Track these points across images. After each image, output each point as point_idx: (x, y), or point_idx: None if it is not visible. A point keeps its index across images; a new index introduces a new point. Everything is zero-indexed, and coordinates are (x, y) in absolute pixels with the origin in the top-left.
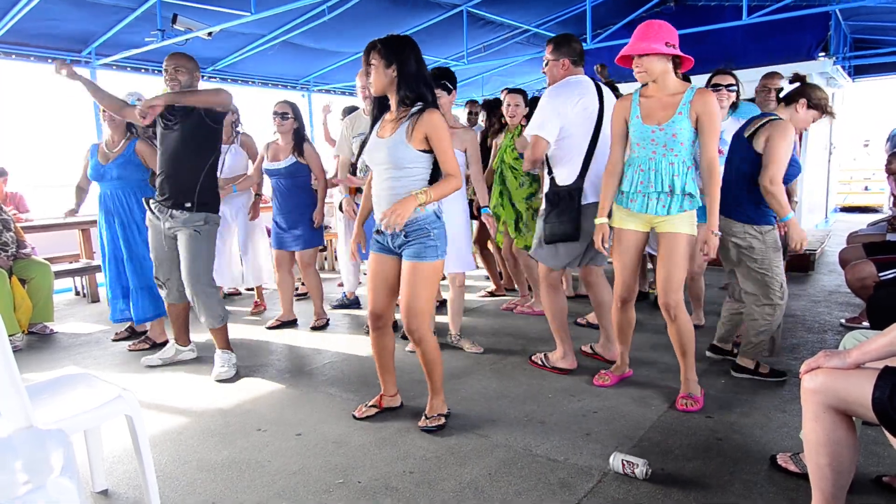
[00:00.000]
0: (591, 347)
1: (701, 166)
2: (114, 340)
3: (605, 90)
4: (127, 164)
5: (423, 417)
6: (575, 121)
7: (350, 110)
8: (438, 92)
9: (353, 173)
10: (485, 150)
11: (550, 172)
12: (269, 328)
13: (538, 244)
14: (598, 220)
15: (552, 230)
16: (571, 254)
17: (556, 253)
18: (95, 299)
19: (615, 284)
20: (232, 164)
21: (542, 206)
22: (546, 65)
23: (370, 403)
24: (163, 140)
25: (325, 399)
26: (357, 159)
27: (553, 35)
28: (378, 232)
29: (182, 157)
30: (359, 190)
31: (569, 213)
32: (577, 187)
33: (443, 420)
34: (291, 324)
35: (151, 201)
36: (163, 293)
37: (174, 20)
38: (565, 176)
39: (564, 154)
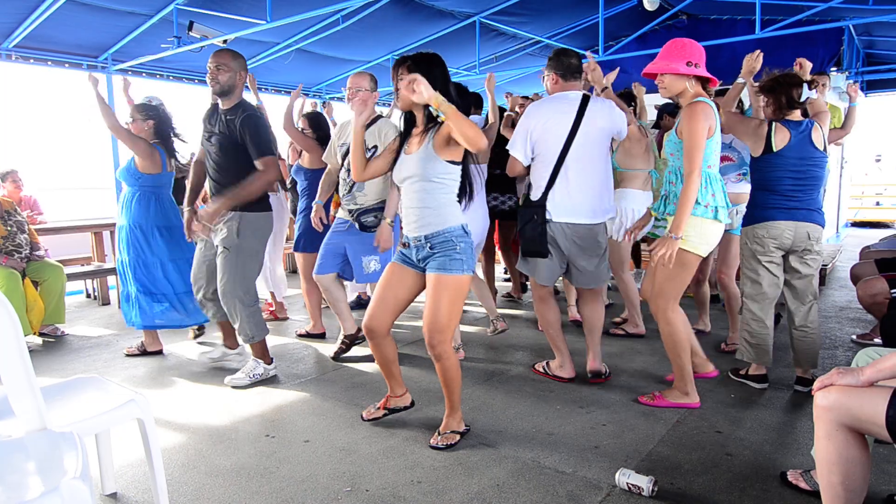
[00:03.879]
0: (546, 365)
1: None
2: (127, 355)
3: (596, 105)
4: (125, 171)
5: (436, 434)
6: (544, 138)
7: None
8: None
9: (337, 185)
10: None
11: (529, 188)
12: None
13: (521, 256)
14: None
15: (525, 245)
16: (547, 269)
17: (534, 267)
18: (106, 302)
19: None
20: None
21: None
22: (543, 78)
23: (378, 405)
24: (209, 145)
25: (334, 406)
26: (341, 170)
27: (563, 46)
28: (404, 245)
29: (225, 164)
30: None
31: (535, 229)
32: (540, 205)
33: (457, 438)
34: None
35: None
36: (207, 312)
37: (190, 27)
38: (536, 193)
39: (536, 171)
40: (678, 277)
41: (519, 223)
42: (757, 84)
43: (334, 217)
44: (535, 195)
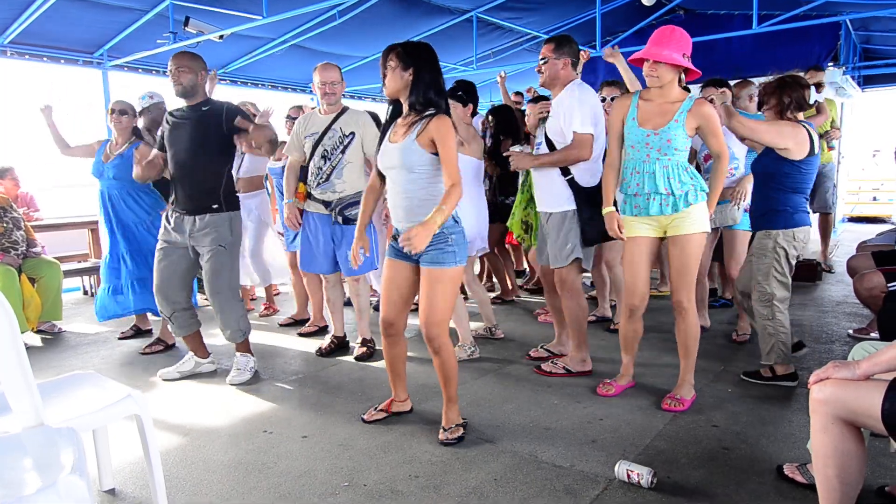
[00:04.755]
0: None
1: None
2: (119, 339)
3: None
4: (123, 165)
5: (442, 430)
6: (602, 121)
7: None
8: (452, 103)
9: (304, 177)
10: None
11: (567, 174)
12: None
13: (573, 248)
14: (605, 210)
15: (596, 230)
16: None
17: (588, 253)
18: None
19: (625, 294)
20: (249, 167)
21: (569, 209)
22: (545, 62)
23: (380, 407)
24: (175, 144)
25: (331, 402)
26: (309, 161)
27: (564, 34)
28: (395, 238)
29: (201, 160)
30: (309, 195)
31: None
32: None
33: (461, 431)
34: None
35: (168, 213)
36: (171, 328)
37: (186, 23)
38: (588, 178)
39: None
40: (698, 264)
41: (579, 210)
42: (761, 83)
43: (300, 210)
44: (592, 180)
